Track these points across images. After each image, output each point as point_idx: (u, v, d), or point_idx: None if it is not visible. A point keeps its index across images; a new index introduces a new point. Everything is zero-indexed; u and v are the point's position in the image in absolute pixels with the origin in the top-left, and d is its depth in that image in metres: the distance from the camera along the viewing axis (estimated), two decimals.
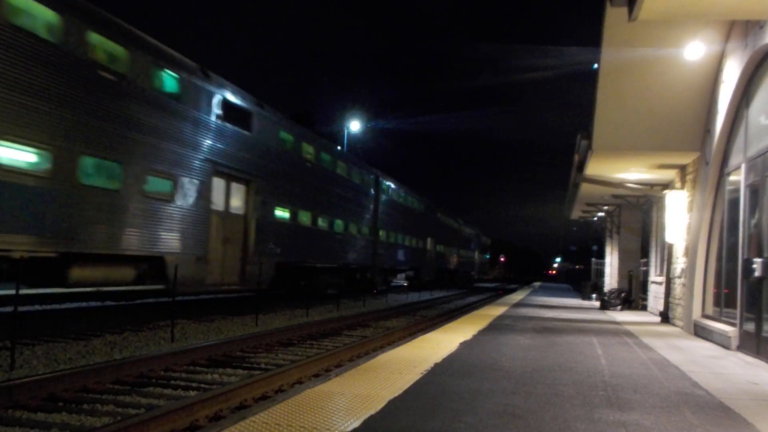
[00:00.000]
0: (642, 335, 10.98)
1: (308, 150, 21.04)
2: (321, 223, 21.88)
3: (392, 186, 32.04)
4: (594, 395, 5.38)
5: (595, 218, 28.18)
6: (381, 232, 29.17)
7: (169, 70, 13.26)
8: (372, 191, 28.18)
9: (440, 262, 44.95)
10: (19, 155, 9.59)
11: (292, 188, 19.19)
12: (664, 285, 14.62)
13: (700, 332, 10.86)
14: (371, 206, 28.01)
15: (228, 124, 15.30)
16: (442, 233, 45.73)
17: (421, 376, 5.98)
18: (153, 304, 17.26)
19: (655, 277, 17.44)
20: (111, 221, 11.47)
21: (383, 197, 29.91)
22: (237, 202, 16.16)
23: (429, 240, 40.43)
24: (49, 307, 15.23)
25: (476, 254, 67.40)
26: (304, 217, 20.38)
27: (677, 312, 13.31)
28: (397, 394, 5.08)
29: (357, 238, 25.84)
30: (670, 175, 14.61)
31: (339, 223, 23.83)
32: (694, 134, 11.58)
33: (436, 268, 42.80)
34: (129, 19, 12.66)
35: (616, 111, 11.86)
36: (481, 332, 10.33)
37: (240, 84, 17.01)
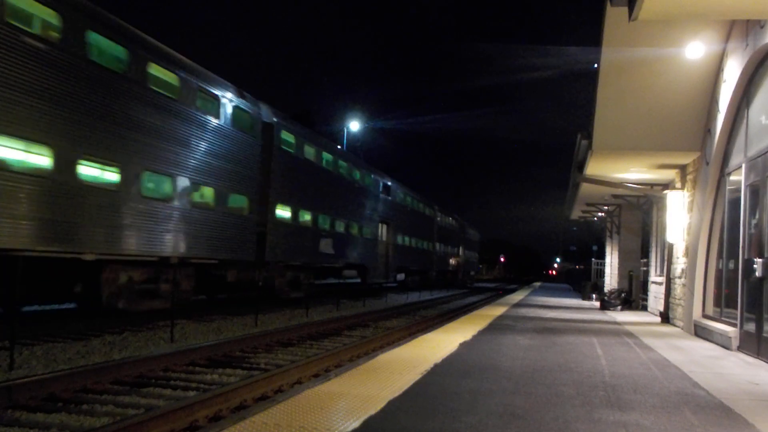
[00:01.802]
0: (642, 335, 10.97)
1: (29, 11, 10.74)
2: (95, 175, 11.89)
3: (304, 141, 21.14)
4: (594, 395, 5.37)
5: (595, 218, 28.18)
6: (280, 209, 19.05)
7: None
8: (258, 141, 17.63)
9: (403, 259, 34.62)
10: None
11: None
12: (664, 285, 14.61)
13: (701, 332, 10.85)
14: (254, 165, 17.33)
15: None
16: (406, 221, 34.98)
17: (420, 376, 5.97)
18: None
19: (655, 277, 17.43)
20: None
21: (283, 154, 19.33)
22: None
23: (383, 228, 30.30)
24: (48, 307, 15.22)
25: (461, 250, 55.75)
26: (37, 157, 10.63)
27: (677, 312, 13.30)
28: (396, 395, 5.07)
29: (214, 212, 15.56)
30: (670, 175, 14.60)
31: (157, 183, 13.69)
32: (694, 134, 11.57)
33: (395, 266, 32.73)
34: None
35: (616, 111, 11.85)
36: (481, 332, 10.32)
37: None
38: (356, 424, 4.12)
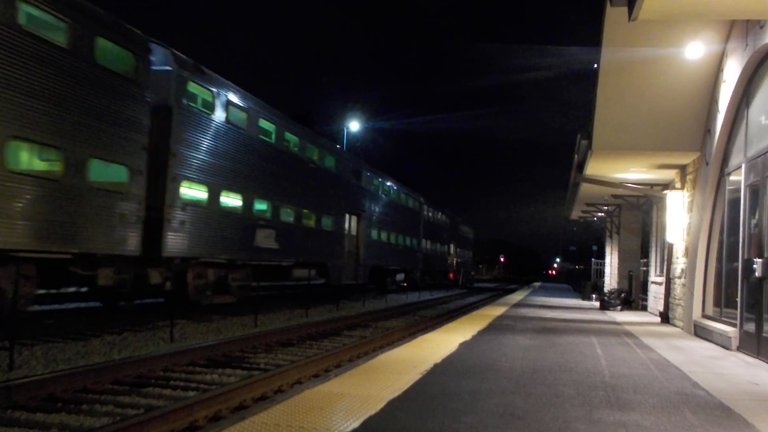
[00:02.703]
0: (642, 335, 10.97)
1: None
2: None
3: (229, 101, 15.76)
4: (594, 395, 5.37)
5: (595, 218, 28.19)
6: (188, 187, 14.26)
7: None
8: (145, 92, 12.82)
9: (380, 256, 28.86)
10: None
11: None
12: (664, 285, 14.61)
13: (701, 332, 10.85)
14: (140, 124, 12.64)
15: None
16: (383, 213, 29.51)
17: (420, 376, 5.96)
18: (152, 305, 17.25)
19: (655, 277, 17.43)
20: None
21: (193, 115, 14.41)
22: None
23: (353, 221, 25.42)
24: (48, 307, 15.22)
25: (452, 248, 49.88)
26: None
27: (677, 312, 13.30)
28: (396, 395, 5.06)
29: (61, 184, 10.76)
30: (670, 175, 14.60)
31: None
32: (694, 134, 11.58)
33: (368, 264, 27.13)
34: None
35: (616, 111, 11.86)
36: (481, 332, 10.32)
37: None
38: (356, 424, 4.12)
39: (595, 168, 14.54)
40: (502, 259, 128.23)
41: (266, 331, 12.61)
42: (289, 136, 19.75)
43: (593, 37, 10.80)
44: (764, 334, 8.01)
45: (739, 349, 8.91)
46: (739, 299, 9.14)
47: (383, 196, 30.23)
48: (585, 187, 17.92)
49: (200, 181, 14.78)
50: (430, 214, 41.32)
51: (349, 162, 25.64)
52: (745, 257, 8.92)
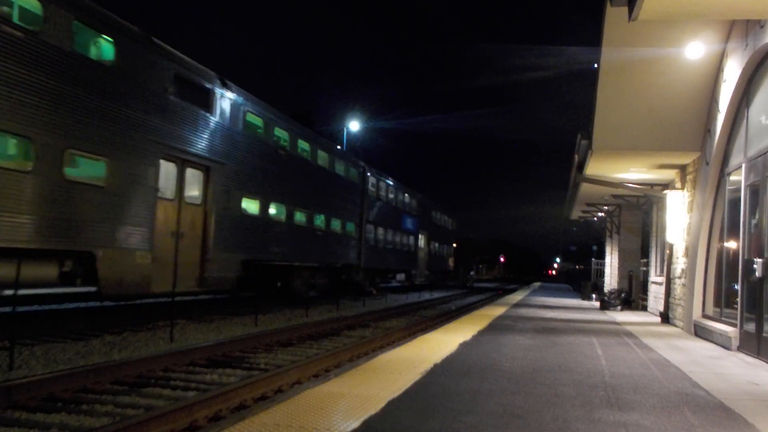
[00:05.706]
0: (642, 335, 10.97)
1: None
2: None
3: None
4: (594, 395, 5.37)
5: (595, 218, 28.18)
6: None
7: None
8: None
9: (256, 245, 16.76)
10: None
11: None
12: (664, 285, 14.61)
13: (701, 332, 10.85)
14: None
15: None
16: (267, 169, 17.44)
17: (420, 376, 5.96)
18: (153, 304, 17.25)
19: (655, 277, 17.43)
20: None
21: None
22: None
23: (181, 172, 13.46)
24: (48, 307, 15.22)
25: (420, 241, 38.02)
26: None
27: (677, 312, 13.30)
28: (396, 395, 5.06)
29: None
30: (670, 175, 14.60)
31: None
32: (694, 134, 11.58)
33: (231, 260, 15.39)
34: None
35: (616, 111, 11.85)
36: (481, 332, 10.32)
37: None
38: (356, 424, 4.12)
39: (595, 168, 14.54)
40: (502, 259, 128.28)
41: (266, 331, 12.60)
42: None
43: (593, 37, 10.81)
44: (764, 334, 8.01)
45: (740, 349, 8.91)
46: (739, 299, 9.14)
47: (276, 146, 18.31)
48: (585, 187, 17.91)
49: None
50: (382, 192, 30.05)
51: (173, 67, 13.13)
52: (745, 257, 8.92)
